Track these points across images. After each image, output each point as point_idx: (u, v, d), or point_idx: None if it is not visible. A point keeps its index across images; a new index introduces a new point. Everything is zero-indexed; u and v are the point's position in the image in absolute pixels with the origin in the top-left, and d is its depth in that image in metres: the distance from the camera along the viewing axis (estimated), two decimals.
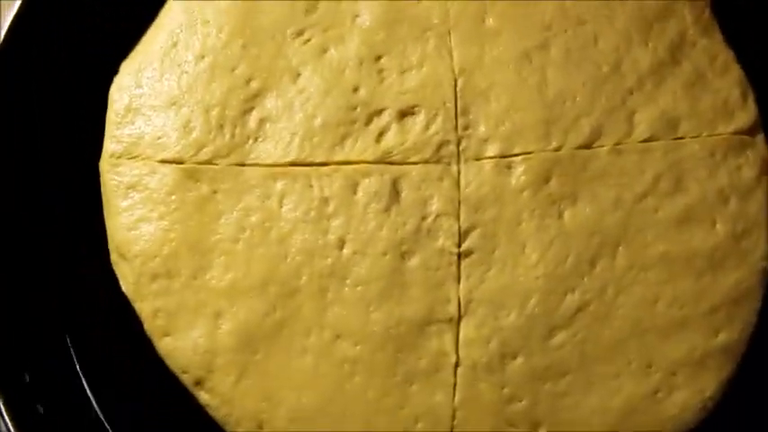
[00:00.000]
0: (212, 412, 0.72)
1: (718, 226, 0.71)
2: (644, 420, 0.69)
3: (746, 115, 0.75)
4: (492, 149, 0.73)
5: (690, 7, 0.77)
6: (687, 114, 0.74)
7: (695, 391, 0.69)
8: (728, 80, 0.75)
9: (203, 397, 0.72)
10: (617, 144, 0.73)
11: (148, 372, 0.73)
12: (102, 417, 0.73)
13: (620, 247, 0.71)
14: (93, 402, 0.74)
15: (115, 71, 0.79)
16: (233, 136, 0.75)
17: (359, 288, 0.71)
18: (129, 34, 0.79)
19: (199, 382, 0.72)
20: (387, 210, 0.72)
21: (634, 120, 0.74)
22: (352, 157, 0.74)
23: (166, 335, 0.73)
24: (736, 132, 0.74)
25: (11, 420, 0.68)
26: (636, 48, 0.76)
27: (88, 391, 0.74)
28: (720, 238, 0.71)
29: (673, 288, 0.70)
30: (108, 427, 0.73)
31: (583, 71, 0.75)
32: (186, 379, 0.72)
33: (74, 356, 0.75)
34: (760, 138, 0.74)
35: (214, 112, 0.76)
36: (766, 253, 0.71)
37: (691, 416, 0.69)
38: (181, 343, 0.72)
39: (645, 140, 0.74)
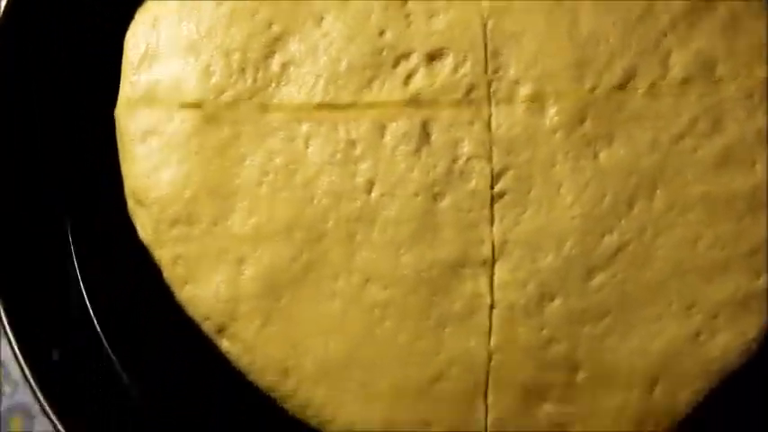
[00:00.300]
0: (235, 361, 0.71)
1: (757, 166, 0.71)
2: (686, 362, 0.68)
3: None
4: (524, 91, 0.73)
5: None
6: (723, 56, 0.74)
7: (737, 333, 0.68)
8: (765, 22, 0.73)
9: (225, 345, 0.70)
10: (652, 85, 0.71)
11: (169, 321, 0.71)
12: (119, 366, 0.69)
13: (658, 189, 0.70)
14: (110, 351, 0.70)
15: (130, 18, 0.76)
16: (255, 80, 0.74)
17: (389, 231, 0.69)
18: None
19: (221, 330, 0.70)
20: (417, 152, 0.71)
21: (669, 62, 0.74)
22: (380, 99, 0.72)
23: (187, 282, 0.72)
24: None
25: (27, 368, 0.64)
26: None
27: (104, 341, 0.70)
28: (760, 179, 0.71)
29: (713, 229, 0.70)
30: (125, 376, 0.68)
31: (614, 13, 0.75)
32: (208, 326, 0.71)
33: (89, 306, 0.72)
34: None
35: (235, 56, 0.75)
36: None
37: (733, 358, 0.68)
38: (202, 290, 0.71)
39: (680, 82, 0.72)
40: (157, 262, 0.73)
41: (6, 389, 0.84)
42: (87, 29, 0.81)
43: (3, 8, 0.77)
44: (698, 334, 0.69)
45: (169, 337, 0.73)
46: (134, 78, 0.77)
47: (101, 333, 0.73)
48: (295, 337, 0.70)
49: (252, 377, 0.71)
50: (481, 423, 0.69)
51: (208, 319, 0.71)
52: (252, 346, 0.71)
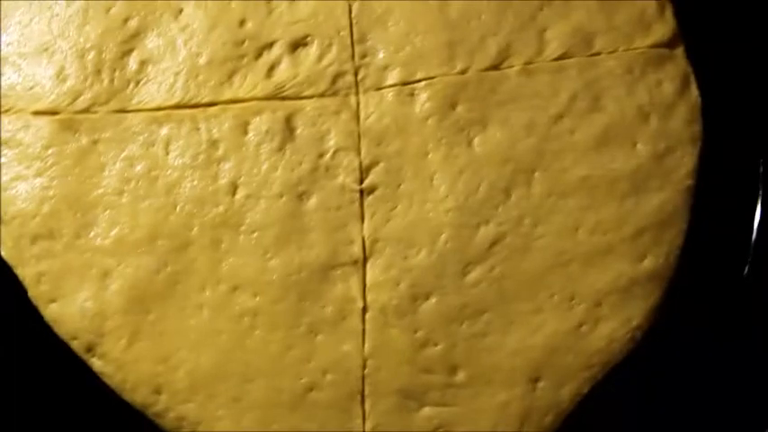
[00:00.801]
0: (108, 380, 0.69)
1: (639, 146, 0.68)
2: (568, 356, 0.65)
3: (664, 27, 0.71)
4: (392, 77, 0.70)
5: None
6: (602, 29, 0.71)
7: (622, 320, 0.66)
8: None
9: (96, 364, 0.69)
10: (527, 63, 0.70)
11: (38, 342, 0.67)
12: None
13: (536, 174, 0.67)
14: None
15: None
16: (112, 81, 0.70)
17: (254, 235, 0.66)
18: None
19: (90, 349, 0.68)
20: (281, 149, 0.67)
21: (545, 37, 0.70)
22: (241, 95, 0.70)
23: (52, 300, 0.69)
24: (654, 46, 0.71)
25: None
26: None
27: None
28: (642, 159, 0.68)
29: (595, 214, 0.67)
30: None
31: None
32: (77, 346, 0.69)
33: None
34: (680, 51, 0.71)
35: (90, 57, 0.71)
36: (691, 171, 0.66)
37: (618, 347, 0.66)
38: (68, 308, 0.69)
39: (558, 58, 0.70)
40: (21, 280, 0.70)
41: None
42: None
43: None
44: (580, 325, 0.67)
45: (43, 357, 0.70)
46: None
47: None
48: (165, 351, 0.68)
49: (125, 396, 0.68)
50: (359, 431, 0.67)
51: (75, 338, 0.69)
52: (123, 364, 0.68)
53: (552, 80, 0.70)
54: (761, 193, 0.71)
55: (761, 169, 0.71)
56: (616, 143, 0.69)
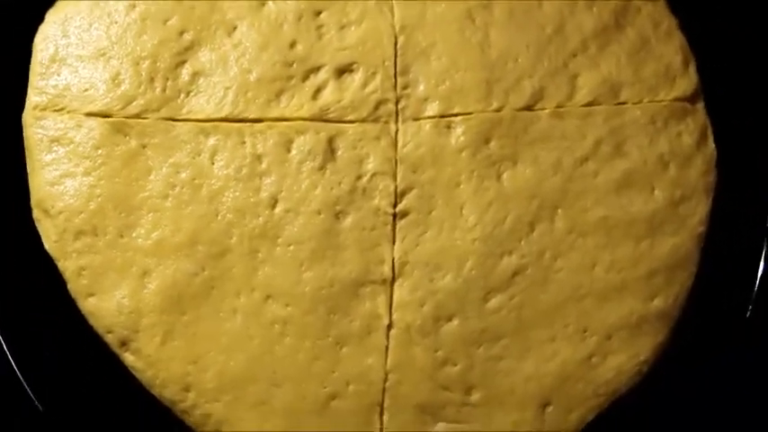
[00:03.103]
0: (138, 374, 0.73)
1: (656, 192, 0.73)
2: (578, 384, 0.71)
3: (688, 82, 0.77)
4: (431, 109, 0.75)
5: None
6: (629, 80, 0.77)
7: (630, 355, 0.71)
8: (671, 47, 0.77)
9: (128, 359, 0.72)
10: (559, 107, 0.75)
11: (73, 333, 0.72)
12: (21, 377, 0.71)
13: (560, 211, 0.73)
14: (12, 362, 0.72)
15: (40, 20, 0.77)
16: (164, 89, 0.75)
17: (291, 247, 0.71)
18: None
19: (124, 343, 0.72)
20: (321, 168, 0.73)
21: (576, 83, 0.75)
22: (287, 114, 0.74)
23: (91, 294, 0.73)
24: (677, 99, 0.77)
25: None
26: (580, 11, 0.78)
27: (7, 351, 0.72)
28: (659, 204, 0.73)
29: (611, 253, 0.72)
30: (27, 388, 0.71)
31: (526, 32, 0.77)
32: (111, 339, 0.73)
33: None
34: (700, 105, 0.77)
35: (144, 65, 0.76)
36: (704, 219, 0.72)
37: (625, 380, 0.71)
38: (106, 303, 0.73)
39: (586, 104, 0.76)
40: (62, 273, 0.74)
41: None
42: None
43: None
44: (591, 356, 0.73)
45: (74, 348, 0.75)
46: (42, 83, 0.78)
47: (5, 347, 0.74)
48: (197, 352, 0.73)
49: (154, 391, 0.73)
50: None
51: (110, 332, 0.73)
52: (155, 361, 0.73)
53: (580, 124, 0.76)
54: (766, 241, 0.77)
55: None
56: (636, 188, 0.75)
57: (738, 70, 0.80)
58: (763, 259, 0.76)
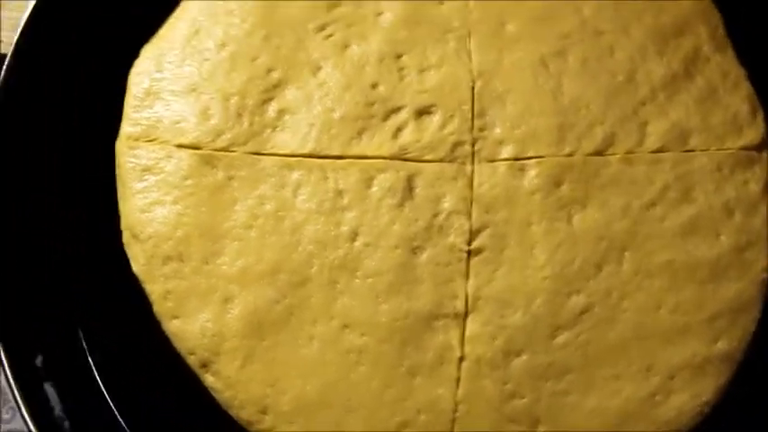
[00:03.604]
0: (217, 395, 0.77)
1: (722, 237, 0.76)
2: (641, 422, 0.73)
3: (755, 132, 0.80)
4: (506, 152, 0.78)
5: (705, 24, 0.83)
6: (698, 128, 0.79)
7: (693, 395, 0.74)
8: (739, 97, 0.80)
9: (209, 380, 0.76)
10: (628, 153, 0.78)
11: (155, 354, 0.77)
12: (106, 394, 0.76)
13: (627, 253, 0.76)
14: (98, 379, 0.76)
15: (135, 56, 0.82)
16: (251, 124, 0.79)
17: (369, 280, 0.75)
18: (150, 20, 0.85)
19: (205, 365, 0.76)
20: (400, 205, 0.76)
21: (646, 130, 0.79)
22: (369, 152, 0.78)
23: (175, 317, 0.77)
24: (744, 148, 0.80)
25: (21, 400, 0.71)
26: (651, 60, 0.81)
27: (94, 369, 0.77)
28: (724, 249, 0.76)
29: (676, 295, 0.75)
30: (113, 406, 0.75)
31: (598, 80, 0.80)
32: (193, 361, 0.76)
33: (81, 337, 0.78)
34: (766, 154, 0.78)
35: (233, 101, 0.80)
36: (767, 266, 0.75)
37: (687, 420, 0.74)
38: (189, 326, 0.77)
39: (655, 151, 0.78)
40: (148, 295, 0.79)
41: (5, 415, 0.91)
42: (94, 63, 0.86)
43: (16, 37, 0.83)
44: (654, 395, 0.76)
45: (159, 368, 0.80)
46: (136, 115, 0.83)
47: (91, 362, 0.79)
48: (275, 376, 0.77)
49: (232, 412, 0.77)
50: None
51: (193, 353, 0.78)
52: (234, 383, 0.77)
53: (649, 170, 0.79)
54: None
55: None
56: (701, 233, 0.78)
57: None
58: None
